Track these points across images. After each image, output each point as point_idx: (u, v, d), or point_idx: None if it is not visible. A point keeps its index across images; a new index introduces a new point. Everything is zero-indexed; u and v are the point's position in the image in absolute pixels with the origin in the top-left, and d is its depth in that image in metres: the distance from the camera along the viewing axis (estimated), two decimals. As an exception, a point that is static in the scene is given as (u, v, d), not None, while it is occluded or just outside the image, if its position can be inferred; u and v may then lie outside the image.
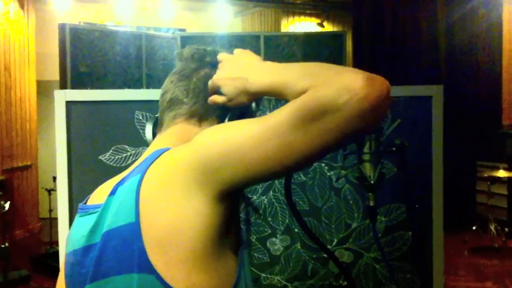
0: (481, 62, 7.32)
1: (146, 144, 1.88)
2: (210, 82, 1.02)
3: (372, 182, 1.04)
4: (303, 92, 0.80)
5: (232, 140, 0.84)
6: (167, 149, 0.93)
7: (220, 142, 0.85)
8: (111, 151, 1.91)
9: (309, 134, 0.78)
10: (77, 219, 1.03)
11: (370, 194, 1.06)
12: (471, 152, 6.90)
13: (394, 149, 1.10)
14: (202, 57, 1.09)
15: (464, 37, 7.31)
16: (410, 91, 2.01)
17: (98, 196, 1.02)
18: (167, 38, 5.55)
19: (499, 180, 6.41)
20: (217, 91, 1.02)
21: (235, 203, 0.91)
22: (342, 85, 0.77)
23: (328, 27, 8.61)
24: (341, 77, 0.78)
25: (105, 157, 1.90)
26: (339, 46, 5.72)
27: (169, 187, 0.85)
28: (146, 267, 0.84)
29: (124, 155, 1.90)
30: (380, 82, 0.79)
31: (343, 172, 1.16)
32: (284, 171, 0.85)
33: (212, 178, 0.84)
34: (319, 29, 8.44)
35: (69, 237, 1.04)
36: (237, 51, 1.03)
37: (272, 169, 0.82)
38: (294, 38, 5.79)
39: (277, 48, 5.66)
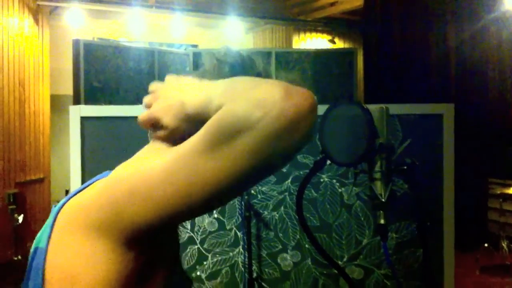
0: (491, 79, 7.31)
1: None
2: (144, 118, 0.88)
3: (383, 200, 1.05)
4: (217, 105, 0.70)
5: (140, 175, 0.72)
6: (107, 174, 0.85)
7: (128, 177, 0.74)
8: (124, 166, 1.93)
9: (220, 159, 0.67)
10: None
11: (381, 212, 1.07)
12: (483, 169, 6.87)
13: (405, 167, 1.11)
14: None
15: (475, 55, 7.31)
16: (421, 109, 2.02)
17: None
18: (179, 54, 5.61)
19: (511, 197, 6.37)
20: (157, 125, 0.87)
21: (157, 247, 0.78)
22: (254, 100, 0.66)
23: (339, 44, 8.64)
24: (255, 91, 0.67)
25: (118, 172, 1.93)
26: (350, 63, 5.74)
27: (74, 222, 0.76)
28: None
29: (137, 170, 1.92)
30: (300, 95, 0.66)
31: (355, 189, 1.17)
32: (201, 207, 0.72)
33: (118, 220, 0.72)
34: (330, 45, 8.48)
35: None
36: (168, 78, 0.90)
37: (186, 205, 0.69)
38: (305, 54, 5.82)
39: (288, 65, 5.69)
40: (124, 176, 0.75)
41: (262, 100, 0.65)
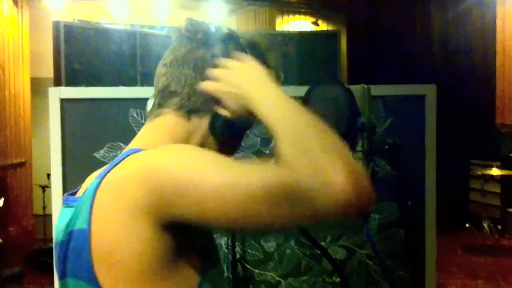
0: (475, 62, 7.36)
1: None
2: (208, 88, 0.96)
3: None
4: (288, 158, 0.77)
5: (194, 182, 0.78)
6: (136, 151, 0.89)
7: (182, 178, 0.79)
8: (105, 148, 1.91)
9: (278, 212, 0.74)
10: (61, 210, 1.00)
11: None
12: (465, 150, 6.93)
13: (386, 147, 1.11)
14: (194, 34, 0.99)
15: (458, 37, 7.34)
16: (404, 90, 2.02)
17: (82, 188, 0.99)
18: (161, 36, 5.55)
19: (492, 178, 6.44)
20: (212, 100, 0.97)
21: (191, 230, 0.83)
22: (324, 182, 0.72)
23: (323, 26, 8.61)
24: (326, 169, 0.73)
25: (99, 154, 1.91)
26: (333, 45, 5.73)
27: (119, 201, 0.82)
28: (93, 280, 0.83)
29: (119, 152, 1.90)
30: (365, 190, 0.75)
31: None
32: (237, 230, 0.84)
33: (163, 209, 0.79)
34: (313, 28, 8.44)
35: (55, 228, 1.02)
36: (245, 59, 0.97)
37: (226, 225, 0.81)
38: (288, 37, 5.79)
39: (271, 47, 5.65)
40: (176, 171, 0.80)
41: (332, 184, 0.72)
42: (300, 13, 8.68)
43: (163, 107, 0.98)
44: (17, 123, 6.48)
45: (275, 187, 0.74)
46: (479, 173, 6.31)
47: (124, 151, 0.94)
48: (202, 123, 0.98)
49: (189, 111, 0.97)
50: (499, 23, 7.33)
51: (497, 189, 6.67)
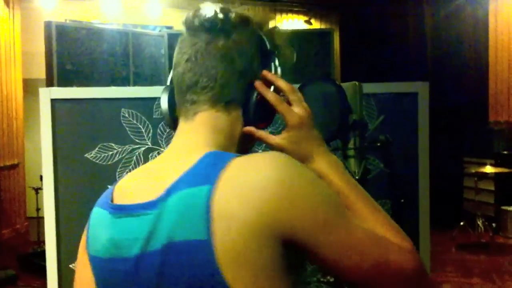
0: (467, 59, 7.37)
1: (132, 142, 1.88)
2: (284, 111, 0.97)
3: (357, 177, 1.04)
4: (403, 243, 0.89)
5: (339, 223, 0.84)
6: (228, 155, 0.87)
7: (329, 214, 0.83)
8: (97, 149, 1.90)
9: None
10: (112, 219, 0.94)
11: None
12: (459, 148, 6.95)
13: (378, 144, 1.10)
14: (210, 23, 0.96)
15: (451, 34, 7.36)
16: (396, 87, 2.01)
17: (134, 194, 0.94)
18: (154, 35, 5.53)
19: (486, 176, 6.46)
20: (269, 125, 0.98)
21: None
22: (400, 269, 0.86)
23: (316, 25, 8.61)
24: (400, 259, 0.86)
25: (91, 155, 1.89)
26: (327, 44, 5.72)
27: (249, 211, 0.81)
28: (219, 286, 0.80)
29: (111, 153, 1.89)
30: (423, 271, 0.88)
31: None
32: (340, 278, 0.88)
33: (290, 228, 0.82)
34: (306, 26, 8.44)
35: (102, 239, 0.96)
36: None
37: (338, 271, 0.85)
38: (286, 37, 5.76)
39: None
40: (318, 199, 0.83)
41: (404, 270, 0.85)
42: (293, 12, 8.69)
43: (197, 104, 0.96)
44: (9, 125, 6.45)
45: (399, 270, 0.86)
46: (473, 171, 6.33)
47: (186, 152, 0.92)
48: (239, 112, 0.96)
49: (225, 103, 0.95)
50: (491, 20, 7.35)
51: (491, 186, 6.69)
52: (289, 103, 0.97)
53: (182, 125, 0.97)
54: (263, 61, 0.99)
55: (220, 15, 0.96)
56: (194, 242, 0.81)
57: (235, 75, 0.95)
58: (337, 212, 0.85)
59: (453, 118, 6.94)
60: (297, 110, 0.96)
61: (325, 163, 0.97)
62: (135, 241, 0.88)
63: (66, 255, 1.88)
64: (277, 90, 0.97)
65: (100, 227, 0.97)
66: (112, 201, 0.97)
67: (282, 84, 0.97)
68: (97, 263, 0.97)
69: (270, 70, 0.98)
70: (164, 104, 1.04)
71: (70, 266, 1.88)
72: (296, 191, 0.81)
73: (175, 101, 1.01)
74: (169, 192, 0.85)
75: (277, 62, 1.00)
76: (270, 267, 0.80)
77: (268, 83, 0.97)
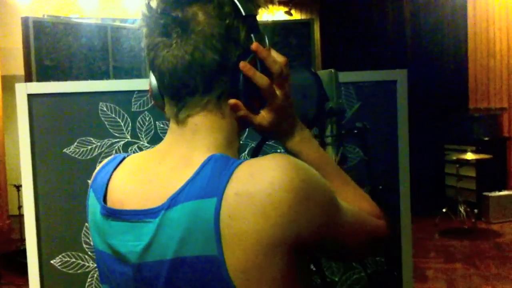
0: (446, 46, 7.42)
1: (111, 136, 1.86)
2: (265, 87, 0.90)
3: (335, 164, 1.04)
4: (374, 211, 1.02)
5: (341, 215, 0.88)
6: (232, 162, 0.83)
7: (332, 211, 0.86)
8: (75, 143, 1.88)
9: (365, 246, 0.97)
10: (106, 221, 0.91)
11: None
12: (440, 136, 7.00)
13: (356, 131, 1.10)
14: (221, 7, 0.87)
15: (430, 21, 7.40)
16: (375, 76, 2.02)
17: (130, 198, 0.90)
18: (133, 29, 5.48)
19: (467, 162, 6.52)
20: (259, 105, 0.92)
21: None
22: (377, 229, 0.98)
23: (296, 15, 8.61)
24: (379, 226, 0.99)
25: (70, 150, 1.88)
26: (307, 34, 5.72)
27: (260, 225, 0.78)
28: None
29: (89, 147, 1.88)
30: (389, 233, 1.02)
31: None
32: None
33: (306, 233, 0.82)
34: (287, 17, 8.44)
35: (97, 234, 0.94)
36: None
37: (340, 252, 0.94)
38: (262, 26, 5.75)
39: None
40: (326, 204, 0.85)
41: (379, 235, 0.98)
42: (273, 2, 8.67)
43: (187, 108, 0.89)
44: (-12, 122, 6.38)
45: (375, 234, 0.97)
46: (454, 157, 6.38)
47: (188, 155, 0.88)
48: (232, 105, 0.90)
49: (217, 99, 0.89)
50: (470, 7, 7.40)
51: (472, 173, 6.76)
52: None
53: (175, 128, 0.92)
54: (243, 43, 0.91)
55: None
56: (204, 258, 0.79)
57: (217, 66, 0.86)
58: (336, 208, 0.86)
59: (434, 106, 6.99)
60: (281, 92, 0.92)
61: (300, 139, 0.97)
62: (133, 249, 0.86)
63: (47, 251, 1.87)
64: (264, 67, 0.91)
65: (96, 222, 0.94)
66: (104, 199, 0.93)
67: (270, 63, 0.91)
68: (98, 254, 0.96)
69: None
70: (154, 86, 0.96)
71: (51, 262, 1.87)
72: (303, 201, 0.79)
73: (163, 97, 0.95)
74: (173, 202, 0.82)
75: (266, 41, 0.95)
76: (285, 277, 0.79)
77: (254, 62, 0.90)
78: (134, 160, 0.97)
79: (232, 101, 0.89)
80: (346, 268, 1.96)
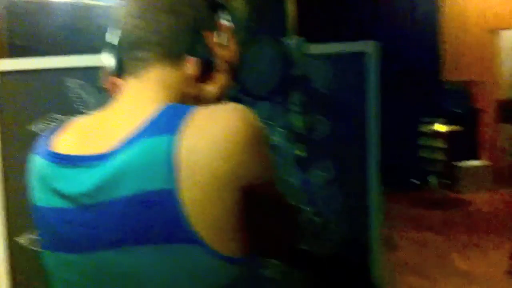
0: (419, 19, 7.43)
1: (79, 112, 1.84)
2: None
3: (299, 131, 1.05)
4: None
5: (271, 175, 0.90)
6: (189, 106, 0.86)
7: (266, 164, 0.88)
8: (42, 121, 1.86)
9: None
10: (55, 169, 0.91)
11: (300, 145, 1.07)
12: (412, 108, 7.06)
13: (320, 99, 1.11)
14: None
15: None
16: (344, 47, 2.02)
17: (81, 145, 0.92)
18: (106, 7, 5.39)
19: (439, 134, 6.61)
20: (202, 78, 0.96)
21: None
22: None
23: (269, -10, 8.55)
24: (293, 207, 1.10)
25: (37, 128, 1.86)
26: (280, 7, 5.69)
27: (213, 162, 0.81)
28: (188, 236, 0.81)
29: (56, 124, 1.85)
30: None
31: (280, 130, 1.17)
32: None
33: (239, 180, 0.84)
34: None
35: (43, 188, 0.93)
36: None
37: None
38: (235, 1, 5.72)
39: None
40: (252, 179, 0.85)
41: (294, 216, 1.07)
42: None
43: (146, 61, 0.94)
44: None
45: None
46: (427, 130, 6.46)
47: (142, 108, 0.89)
48: (190, 66, 0.94)
49: (176, 58, 0.94)
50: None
51: (444, 144, 6.85)
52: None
53: (131, 82, 0.95)
54: (214, 13, 0.97)
55: None
56: (159, 191, 0.80)
57: (183, 29, 0.93)
58: (274, 171, 0.91)
59: (407, 79, 7.03)
60: (232, 72, 0.99)
61: None
62: (87, 192, 0.86)
63: (14, 228, 1.85)
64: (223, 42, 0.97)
65: (40, 176, 0.94)
66: (51, 149, 0.94)
67: (231, 42, 0.98)
68: (39, 213, 0.95)
69: (220, 23, 0.97)
70: (108, 61, 1.02)
71: (17, 239, 1.86)
72: (257, 145, 0.84)
73: (120, 60, 0.98)
74: (127, 143, 0.84)
75: (227, 16, 0.99)
76: (234, 218, 0.83)
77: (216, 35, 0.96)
78: (84, 118, 1.00)
79: (189, 57, 0.93)
80: (315, 237, 1.99)
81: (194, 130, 0.82)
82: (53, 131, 0.98)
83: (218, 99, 0.98)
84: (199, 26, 0.94)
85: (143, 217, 0.81)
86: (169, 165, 0.80)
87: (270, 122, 1.91)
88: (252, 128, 0.83)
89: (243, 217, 0.84)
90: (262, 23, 5.73)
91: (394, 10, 7.29)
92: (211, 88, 0.97)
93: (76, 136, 0.95)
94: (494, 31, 7.13)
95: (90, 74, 1.85)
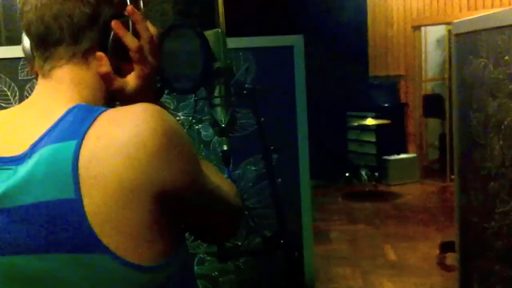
0: (347, 15, 7.58)
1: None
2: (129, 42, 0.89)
3: (223, 125, 1.03)
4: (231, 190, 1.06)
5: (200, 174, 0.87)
6: (97, 109, 0.81)
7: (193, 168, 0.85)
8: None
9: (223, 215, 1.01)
10: None
11: (223, 138, 1.06)
12: (341, 103, 7.20)
13: (245, 92, 1.10)
14: None
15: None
16: (273, 41, 2.03)
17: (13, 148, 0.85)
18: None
19: (368, 128, 6.78)
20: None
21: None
22: (238, 209, 1.05)
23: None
24: (237, 203, 1.04)
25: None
26: (210, 1, 5.67)
27: (119, 170, 0.77)
28: (96, 247, 0.77)
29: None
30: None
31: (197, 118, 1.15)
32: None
33: (164, 185, 0.80)
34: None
35: None
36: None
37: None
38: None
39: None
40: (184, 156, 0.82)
41: (238, 205, 1.02)
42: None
43: (52, 59, 0.87)
44: None
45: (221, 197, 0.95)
46: (356, 124, 6.61)
47: (50, 108, 0.84)
48: (101, 62, 0.87)
49: (84, 53, 0.87)
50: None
51: (372, 138, 7.04)
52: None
53: (40, 81, 0.90)
54: (120, 2, 0.90)
55: None
56: (63, 201, 0.76)
57: (87, 20, 0.85)
58: (199, 166, 0.86)
59: (335, 74, 7.16)
60: (150, 60, 0.92)
61: None
62: None
63: None
64: (135, 32, 0.90)
65: None
66: None
67: (142, 29, 0.90)
68: None
69: (129, 8, 0.90)
70: (27, 45, 0.94)
71: None
72: (169, 148, 0.79)
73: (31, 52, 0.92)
74: (33, 148, 0.79)
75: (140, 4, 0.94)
76: (146, 226, 0.78)
77: (126, 24, 0.89)
78: (1, 113, 0.93)
79: (99, 53, 0.86)
80: (248, 232, 1.99)
81: (97, 135, 0.78)
82: None
83: (142, 91, 0.91)
84: (104, 14, 0.87)
85: (49, 225, 0.78)
86: (72, 173, 0.76)
87: (198, 116, 1.89)
88: (162, 130, 0.78)
89: (160, 222, 0.80)
90: (189, 18, 5.66)
91: (322, 3, 7.40)
92: (129, 81, 0.91)
93: None
94: (417, 27, 7.37)
95: (7, 65, 1.77)
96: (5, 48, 1.80)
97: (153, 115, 0.79)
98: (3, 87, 1.78)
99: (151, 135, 0.77)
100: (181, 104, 1.90)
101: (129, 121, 0.78)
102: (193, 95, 1.09)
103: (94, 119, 0.79)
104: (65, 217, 0.77)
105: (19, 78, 1.77)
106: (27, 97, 1.77)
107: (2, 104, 1.77)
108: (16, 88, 1.77)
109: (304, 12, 7.17)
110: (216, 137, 1.94)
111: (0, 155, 0.83)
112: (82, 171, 0.76)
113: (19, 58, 1.76)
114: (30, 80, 1.77)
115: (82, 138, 0.77)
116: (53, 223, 0.77)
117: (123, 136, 0.77)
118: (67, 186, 0.76)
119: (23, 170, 0.79)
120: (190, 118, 1.90)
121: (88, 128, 0.78)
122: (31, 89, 1.77)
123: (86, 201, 0.76)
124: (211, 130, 1.92)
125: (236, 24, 7.57)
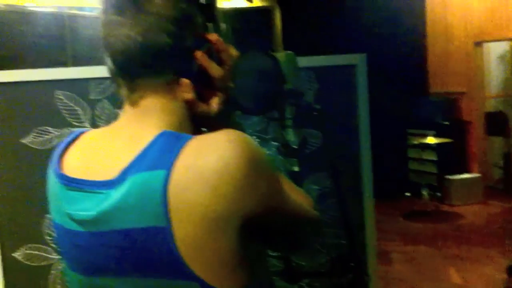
0: (405, 31, 7.48)
1: (70, 124, 1.82)
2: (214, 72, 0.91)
3: (295, 147, 1.04)
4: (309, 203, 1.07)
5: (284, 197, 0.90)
6: (184, 137, 0.83)
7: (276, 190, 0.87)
8: (33, 133, 1.84)
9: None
10: (63, 190, 0.91)
11: (294, 159, 1.06)
12: (401, 120, 7.09)
13: (315, 113, 1.10)
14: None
15: (388, 6, 7.43)
16: (334, 60, 2.02)
17: (86, 169, 0.90)
18: (91, 17, 5.38)
19: (428, 146, 6.64)
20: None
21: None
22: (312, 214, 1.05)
23: (257, 2, 8.59)
24: (315, 216, 1.04)
25: (27, 140, 1.83)
26: (267, 21, 5.72)
27: (208, 198, 0.79)
28: (185, 274, 0.80)
29: (47, 137, 1.83)
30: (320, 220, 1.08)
31: (274, 143, 1.15)
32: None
33: (254, 208, 0.82)
34: (247, 4, 8.41)
35: (57, 206, 0.93)
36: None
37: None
38: (222, 14, 5.72)
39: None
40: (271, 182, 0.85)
41: (316, 217, 1.02)
42: (234, -9, 8.61)
43: (140, 89, 0.89)
44: None
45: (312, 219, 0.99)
46: (416, 142, 6.49)
47: (137, 134, 0.87)
48: (184, 89, 0.89)
49: (169, 83, 0.88)
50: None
51: (433, 157, 6.88)
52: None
53: (128, 108, 0.91)
54: (200, 31, 0.91)
55: None
56: (153, 229, 0.79)
57: (170, 50, 0.86)
58: (281, 186, 0.88)
59: (395, 91, 7.06)
60: (230, 85, 0.95)
61: None
62: (85, 217, 0.86)
63: (9, 243, 1.83)
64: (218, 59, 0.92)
65: (54, 194, 0.94)
66: (60, 169, 0.93)
67: (226, 57, 0.93)
68: (57, 230, 0.96)
69: (210, 38, 0.92)
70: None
71: (14, 255, 1.83)
72: (254, 177, 0.80)
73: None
74: (124, 174, 0.82)
75: (218, 29, 0.96)
76: (231, 253, 0.80)
77: (209, 51, 0.90)
78: (90, 135, 0.97)
79: (185, 80, 0.88)
80: (313, 252, 1.98)
81: (185, 165, 0.79)
82: (65, 144, 0.97)
83: (217, 117, 0.94)
84: (190, 43, 0.88)
85: (140, 251, 0.81)
86: (162, 202, 0.78)
87: (264, 136, 1.90)
88: (247, 160, 0.79)
89: (244, 247, 0.82)
90: (248, 38, 5.73)
91: (379, 22, 7.34)
92: (213, 106, 0.93)
93: (83, 156, 0.93)
94: (479, 43, 7.19)
95: (79, 85, 1.83)
96: (78, 69, 1.87)
97: (237, 144, 0.80)
98: (75, 106, 1.84)
99: (237, 166, 0.78)
100: (246, 124, 1.92)
101: (214, 151, 0.79)
102: (263, 115, 1.10)
103: (182, 147, 0.81)
104: (156, 243, 0.80)
105: (90, 97, 1.84)
106: (98, 116, 1.85)
107: (74, 123, 1.83)
108: (87, 108, 1.84)
109: (362, 29, 7.13)
110: (279, 156, 1.95)
111: (93, 178, 0.87)
112: (171, 200, 0.78)
113: (89, 79, 1.83)
114: (100, 99, 1.83)
115: (171, 168, 0.79)
116: (144, 248, 0.81)
117: (208, 167, 0.78)
118: (159, 214, 0.79)
119: (115, 195, 0.82)
120: (254, 137, 1.92)
121: (176, 157, 0.80)
122: (102, 108, 1.83)
123: (175, 229, 0.78)
124: (273, 149, 1.93)
125: (292, 42, 7.62)
